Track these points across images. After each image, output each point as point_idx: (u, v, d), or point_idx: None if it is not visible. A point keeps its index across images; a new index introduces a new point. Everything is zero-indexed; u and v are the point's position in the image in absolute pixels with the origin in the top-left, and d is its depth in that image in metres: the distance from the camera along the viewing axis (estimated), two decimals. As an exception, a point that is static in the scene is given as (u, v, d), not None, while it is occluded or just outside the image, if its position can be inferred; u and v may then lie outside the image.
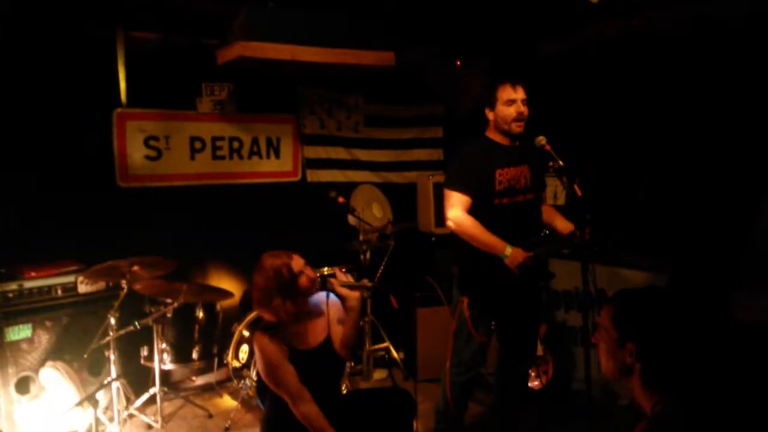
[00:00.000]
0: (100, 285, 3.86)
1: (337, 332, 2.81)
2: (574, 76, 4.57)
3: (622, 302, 1.73)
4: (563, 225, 3.29)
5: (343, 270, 2.91)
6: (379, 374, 4.66)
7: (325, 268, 3.61)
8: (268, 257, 2.68)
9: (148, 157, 4.38)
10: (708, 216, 3.65)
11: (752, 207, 3.39)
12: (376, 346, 4.66)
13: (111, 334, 3.46)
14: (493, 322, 3.26)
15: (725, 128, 3.63)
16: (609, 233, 3.17)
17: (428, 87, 5.34)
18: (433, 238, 4.92)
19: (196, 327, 3.91)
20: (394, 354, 4.65)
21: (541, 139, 3.02)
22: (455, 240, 3.21)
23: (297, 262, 2.68)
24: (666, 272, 3.67)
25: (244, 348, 4.07)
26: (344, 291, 2.77)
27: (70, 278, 3.76)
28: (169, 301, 3.69)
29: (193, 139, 4.56)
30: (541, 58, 4.81)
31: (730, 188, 3.56)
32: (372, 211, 4.96)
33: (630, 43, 4.08)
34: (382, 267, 4.64)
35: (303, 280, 2.66)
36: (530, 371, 4.04)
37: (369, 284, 2.95)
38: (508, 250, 3.02)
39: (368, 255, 4.61)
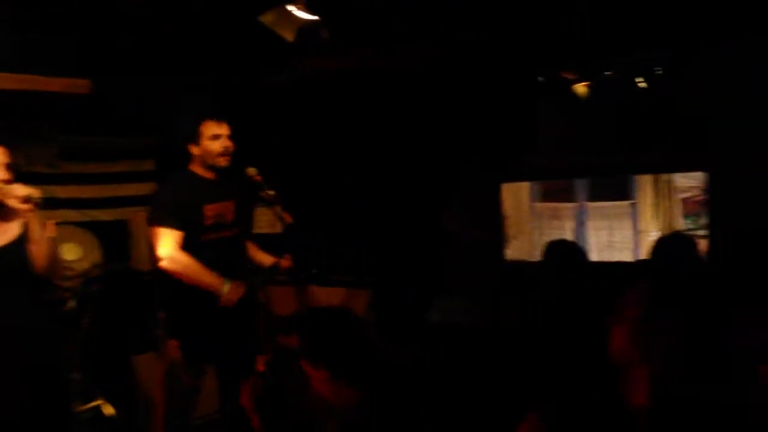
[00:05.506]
0: None
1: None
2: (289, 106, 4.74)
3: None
4: (265, 258, 3.43)
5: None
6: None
7: None
8: None
9: None
10: (406, 235, 4.06)
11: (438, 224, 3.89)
12: (86, 406, 4.13)
13: None
14: (204, 365, 3.17)
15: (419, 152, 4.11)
16: (319, 258, 3.33)
17: (139, 117, 5.00)
18: (146, 277, 4.59)
19: None
20: (109, 412, 4.17)
21: (251, 171, 3.07)
22: (161, 281, 3.07)
23: None
24: (369, 287, 3.99)
25: None
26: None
27: None
28: None
29: None
30: (264, 87, 4.88)
31: (424, 208, 4.03)
32: (65, 255, 4.42)
33: (341, 78, 4.37)
34: (89, 314, 4.18)
35: None
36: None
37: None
38: (226, 287, 2.98)
39: (72, 303, 4.09)
